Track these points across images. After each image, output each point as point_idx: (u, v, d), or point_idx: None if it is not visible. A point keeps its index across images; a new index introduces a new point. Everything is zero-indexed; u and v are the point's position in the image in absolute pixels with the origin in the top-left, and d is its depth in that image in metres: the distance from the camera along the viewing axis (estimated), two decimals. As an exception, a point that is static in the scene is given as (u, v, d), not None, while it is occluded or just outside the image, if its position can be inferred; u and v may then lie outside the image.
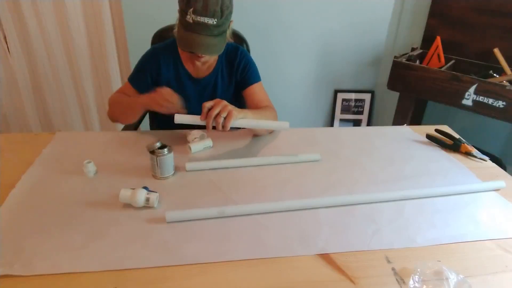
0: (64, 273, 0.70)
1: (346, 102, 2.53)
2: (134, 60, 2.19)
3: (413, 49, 2.16)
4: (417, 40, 2.23)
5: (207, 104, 1.01)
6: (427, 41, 2.14)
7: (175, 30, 1.14)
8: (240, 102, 1.31)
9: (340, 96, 2.51)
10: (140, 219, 0.85)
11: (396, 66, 2.00)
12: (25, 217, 0.84)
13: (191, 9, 1.02)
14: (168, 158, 0.99)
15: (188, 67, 1.26)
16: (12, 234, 0.79)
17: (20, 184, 0.95)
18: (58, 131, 1.21)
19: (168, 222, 0.84)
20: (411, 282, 0.69)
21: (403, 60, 2.00)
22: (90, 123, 2.30)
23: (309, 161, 1.12)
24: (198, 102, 1.16)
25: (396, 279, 0.72)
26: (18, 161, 1.05)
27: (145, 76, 1.24)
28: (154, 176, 1.00)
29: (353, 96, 2.51)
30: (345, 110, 2.55)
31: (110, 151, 1.13)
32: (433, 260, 0.76)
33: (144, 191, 0.88)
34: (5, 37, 2.00)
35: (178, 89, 1.18)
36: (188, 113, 1.05)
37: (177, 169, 1.04)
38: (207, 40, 1.07)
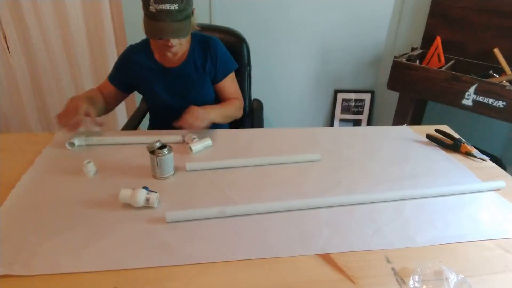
0: (64, 273, 0.70)
1: (346, 102, 2.53)
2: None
3: (413, 49, 2.16)
4: (417, 40, 2.23)
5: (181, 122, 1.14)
6: (427, 41, 2.14)
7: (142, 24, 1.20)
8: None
9: (340, 96, 2.51)
10: (140, 219, 0.85)
11: (396, 66, 2.00)
12: (25, 217, 0.84)
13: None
14: (168, 158, 0.99)
15: (159, 58, 1.31)
16: (12, 234, 0.79)
17: (20, 184, 0.95)
18: (58, 131, 1.21)
19: (168, 222, 0.84)
20: (411, 282, 0.69)
21: (403, 60, 2.00)
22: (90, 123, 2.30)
23: (309, 161, 1.12)
24: (171, 91, 1.31)
25: (396, 279, 0.72)
26: (18, 161, 1.05)
27: (121, 74, 1.33)
28: (154, 176, 1.00)
29: (353, 96, 2.51)
30: (345, 110, 2.55)
31: (110, 151, 1.13)
32: (433, 260, 0.76)
33: (144, 191, 0.88)
34: (5, 37, 2.00)
35: (152, 81, 1.30)
36: (161, 103, 1.30)
37: (177, 169, 1.04)
38: (173, 26, 1.11)
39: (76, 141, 1.12)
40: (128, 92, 1.39)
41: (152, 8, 1.09)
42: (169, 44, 1.18)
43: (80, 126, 1.09)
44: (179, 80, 1.32)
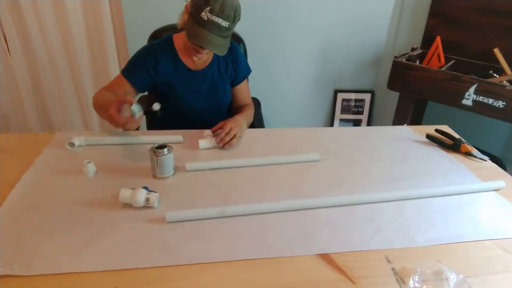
0: (64, 273, 0.70)
1: (346, 102, 2.53)
2: (134, 60, 2.18)
3: (413, 49, 2.16)
4: (417, 40, 2.23)
5: (224, 132, 1.16)
6: (427, 41, 2.14)
7: (179, 22, 1.22)
8: None
9: (340, 96, 2.51)
10: (140, 219, 0.85)
11: (396, 66, 2.00)
12: (25, 217, 0.84)
13: (209, 8, 1.08)
14: (168, 158, 0.99)
15: (185, 60, 1.30)
16: (12, 234, 0.79)
17: (20, 184, 0.95)
18: (58, 131, 1.21)
19: (168, 222, 0.84)
20: (411, 282, 0.69)
21: (403, 60, 2.00)
22: (90, 123, 2.30)
23: (309, 161, 1.12)
24: (195, 93, 1.31)
25: (396, 279, 0.72)
26: (18, 161, 1.05)
27: (142, 71, 1.26)
28: (154, 176, 1.00)
29: (353, 96, 2.51)
30: (345, 110, 2.55)
31: (110, 151, 1.13)
32: (433, 260, 0.77)
33: (144, 191, 0.88)
34: (5, 37, 2.00)
35: (176, 82, 1.29)
36: (184, 105, 1.30)
37: (177, 169, 1.04)
38: (217, 40, 1.12)
39: (76, 141, 1.12)
40: (143, 91, 1.34)
41: (204, 16, 1.08)
42: (200, 51, 1.19)
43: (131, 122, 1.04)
44: (203, 82, 1.33)
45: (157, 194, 0.89)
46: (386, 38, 2.35)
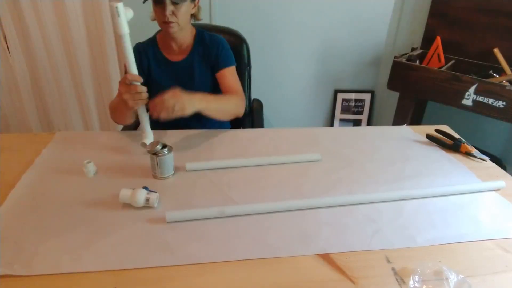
0: (64, 273, 0.70)
1: (346, 102, 2.53)
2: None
3: (413, 49, 2.16)
4: (417, 40, 2.23)
5: (164, 97, 1.01)
6: (427, 41, 2.14)
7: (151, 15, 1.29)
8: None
9: (340, 96, 2.51)
10: (140, 219, 0.85)
11: (396, 66, 2.00)
12: (25, 217, 0.84)
13: None
14: (168, 158, 0.99)
15: (165, 52, 1.35)
16: (12, 234, 0.79)
17: (20, 184, 0.95)
18: (58, 131, 1.21)
19: (168, 222, 0.84)
20: (411, 282, 0.69)
21: (403, 60, 2.00)
22: (90, 123, 2.30)
23: (309, 161, 1.12)
24: (174, 83, 1.23)
25: (396, 279, 0.72)
26: (18, 161, 1.05)
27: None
28: (154, 176, 1.00)
29: (353, 96, 2.51)
30: (345, 110, 2.55)
31: (110, 151, 1.13)
32: (433, 260, 0.76)
33: (144, 191, 0.88)
34: (5, 37, 2.00)
35: (157, 73, 1.34)
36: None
37: (177, 169, 1.04)
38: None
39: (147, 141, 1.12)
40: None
41: None
42: (166, 20, 1.21)
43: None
44: (183, 72, 1.36)
45: (157, 194, 0.89)
46: (386, 38, 2.35)
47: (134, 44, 1.38)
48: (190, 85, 1.33)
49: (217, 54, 1.36)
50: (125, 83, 1.06)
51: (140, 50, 1.36)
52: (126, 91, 1.06)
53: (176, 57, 1.36)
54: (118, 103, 1.16)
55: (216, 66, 1.37)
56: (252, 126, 1.61)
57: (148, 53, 1.35)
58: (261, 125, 1.60)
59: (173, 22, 1.22)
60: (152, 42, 1.38)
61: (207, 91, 1.34)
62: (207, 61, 1.37)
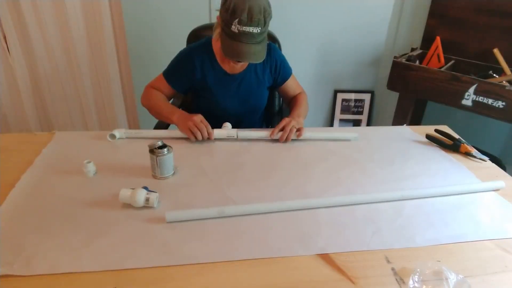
0: (64, 273, 0.70)
1: (346, 102, 2.53)
2: (134, 60, 2.19)
3: (413, 49, 2.16)
4: (417, 40, 2.23)
5: (281, 126, 1.22)
6: (427, 41, 2.14)
7: (214, 35, 1.23)
8: (273, 93, 1.49)
9: (340, 96, 2.51)
10: (140, 219, 0.85)
11: (396, 66, 2.00)
12: (25, 217, 0.84)
13: (237, 20, 1.06)
14: (168, 158, 0.99)
15: (224, 65, 1.30)
16: (12, 234, 0.79)
17: (19, 184, 0.95)
18: (58, 131, 1.21)
19: (168, 222, 0.84)
20: (410, 282, 0.69)
21: (403, 60, 2.00)
22: (90, 123, 2.30)
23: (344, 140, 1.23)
24: (231, 97, 1.32)
25: (396, 279, 0.72)
26: (18, 161, 1.05)
27: (180, 75, 1.31)
28: (154, 176, 1.00)
29: (353, 96, 2.51)
30: (345, 110, 2.55)
31: (110, 151, 1.13)
32: (432, 260, 0.77)
33: (144, 191, 0.88)
34: (5, 37, 2.00)
35: (212, 85, 1.30)
36: (218, 107, 1.33)
37: (176, 169, 1.04)
38: (253, 48, 1.11)
39: (117, 134, 1.17)
40: (183, 93, 1.40)
41: (234, 29, 1.07)
42: (236, 63, 1.22)
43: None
44: (240, 86, 1.33)
45: (157, 194, 0.89)
46: (386, 38, 2.35)
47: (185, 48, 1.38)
48: (247, 99, 1.36)
49: (274, 71, 1.36)
50: (200, 122, 1.17)
51: (194, 57, 1.29)
52: (196, 126, 1.16)
53: (234, 70, 1.31)
54: (165, 115, 1.25)
55: (276, 84, 1.40)
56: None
57: (204, 61, 1.29)
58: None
59: (239, 64, 1.23)
60: (207, 49, 1.30)
61: (263, 103, 1.42)
62: (264, 73, 1.35)
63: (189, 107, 1.52)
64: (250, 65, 1.33)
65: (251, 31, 1.07)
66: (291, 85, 1.43)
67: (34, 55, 2.06)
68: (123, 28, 2.08)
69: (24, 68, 2.09)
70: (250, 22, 1.06)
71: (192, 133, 1.17)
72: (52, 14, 1.97)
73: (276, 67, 1.36)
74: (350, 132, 1.29)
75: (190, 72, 1.29)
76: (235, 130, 1.22)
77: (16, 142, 1.17)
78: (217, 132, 1.20)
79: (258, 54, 1.14)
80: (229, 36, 1.10)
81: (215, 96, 1.32)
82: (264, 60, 1.29)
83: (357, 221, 0.88)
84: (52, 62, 2.10)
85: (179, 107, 1.60)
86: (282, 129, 1.21)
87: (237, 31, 1.07)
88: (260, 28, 1.09)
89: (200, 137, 1.17)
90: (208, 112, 1.35)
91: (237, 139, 1.22)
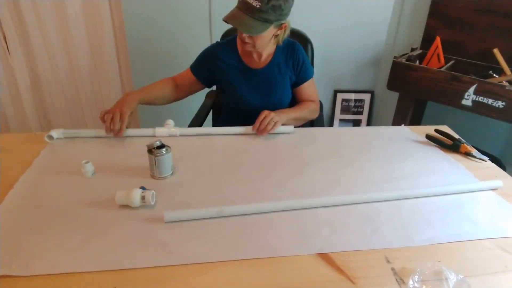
0: (63, 273, 0.70)
1: (346, 102, 2.53)
2: (133, 60, 2.19)
3: (412, 49, 2.16)
4: (417, 40, 2.23)
5: (260, 117, 1.22)
6: (426, 41, 2.14)
7: None
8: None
9: (340, 96, 2.51)
10: (138, 219, 0.85)
11: (396, 66, 2.00)
12: (24, 217, 0.84)
13: None
14: (166, 158, 0.98)
15: (245, 59, 1.34)
16: (11, 234, 0.78)
17: (18, 184, 0.95)
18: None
19: (167, 222, 0.83)
20: (410, 282, 0.69)
21: (403, 60, 2.00)
22: (90, 123, 2.30)
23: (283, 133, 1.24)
24: (253, 91, 1.35)
25: (396, 279, 0.72)
26: (17, 161, 1.04)
27: (203, 67, 1.37)
28: (153, 176, 1.00)
29: (352, 96, 2.51)
30: (344, 110, 2.55)
31: (109, 151, 1.13)
32: (432, 260, 0.76)
33: (139, 190, 0.88)
34: (5, 37, 2.00)
35: (235, 79, 1.34)
36: (241, 102, 1.36)
37: (175, 169, 1.04)
38: (246, 19, 1.14)
39: (54, 134, 1.16)
40: (209, 85, 1.45)
41: None
42: (243, 40, 1.22)
43: (122, 135, 1.17)
44: (262, 81, 1.36)
45: (153, 191, 0.89)
46: (386, 38, 2.35)
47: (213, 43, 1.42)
48: (269, 94, 1.37)
49: (297, 70, 1.38)
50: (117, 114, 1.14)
51: (218, 52, 1.34)
52: (112, 116, 1.15)
53: (257, 65, 1.35)
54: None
55: (296, 83, 1.41)
56: (312, 125, 1.59)
57: (226, 56, 1.34)
58: (321, 125, 1.58)
59: (249, 44, 1.23)
60: (232, 45, 1.36)
61: (286, 99, 1.43)
62: (286, 71, 1.37)
63: (218, 104, 1.63)
64: (273, 61, 1.35)
65: (250, 2, 1.12)
66: (306, 89, 1.44)
67: (34, 55, 2.07)
68: (123, 28, 2.08)
69: (24, 68, 2.09)
70: None
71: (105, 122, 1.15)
72: (52, 14, 1.98)
73: (298, 65, 1.38)
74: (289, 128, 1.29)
75: (213, 65, 1.34)
76: (177, 128, 1.22)
77: (15, 142, 1.17)
78: (158, 131, 1.20)
79: (249, 26, 1.15)
80: (236, 5, 1.18)
81: (237, 90, 1.35)
82: (287, 56, 1.36)
83: (356, 220, 0.87)
84: (52, 62, 2.10)
85: (211, 106, 1.68)
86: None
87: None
88: (260, 4, 1.12)
89: (108, 128, 1.14)
90: (233, 107, 1.41)
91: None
